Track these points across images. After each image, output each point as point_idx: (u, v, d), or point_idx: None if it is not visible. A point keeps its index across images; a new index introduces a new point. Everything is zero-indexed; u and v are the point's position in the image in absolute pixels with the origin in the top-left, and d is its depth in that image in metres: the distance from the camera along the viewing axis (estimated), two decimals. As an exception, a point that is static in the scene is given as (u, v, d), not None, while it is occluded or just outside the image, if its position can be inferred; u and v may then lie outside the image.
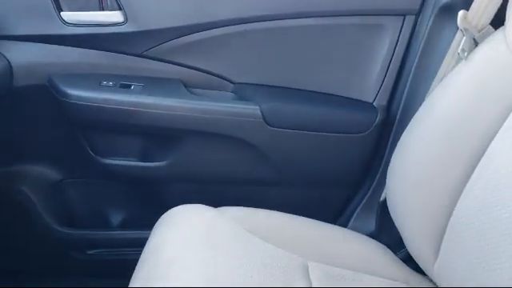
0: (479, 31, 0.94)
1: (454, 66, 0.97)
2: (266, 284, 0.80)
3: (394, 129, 1.11)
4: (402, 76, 1.14)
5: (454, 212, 0.87)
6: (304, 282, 0.84)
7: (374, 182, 1.17)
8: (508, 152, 0.77)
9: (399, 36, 1.11)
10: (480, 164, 0.81)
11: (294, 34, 1.12)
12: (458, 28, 0.94)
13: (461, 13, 0.94)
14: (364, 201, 1.21)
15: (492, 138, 0.82)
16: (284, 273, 0.84)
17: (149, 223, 1.00)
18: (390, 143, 1.11)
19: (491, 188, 0.79)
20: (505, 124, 0.80)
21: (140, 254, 0.92)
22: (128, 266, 0.91)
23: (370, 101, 1.17)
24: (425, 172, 0.90)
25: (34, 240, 1.24)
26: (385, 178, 1.00)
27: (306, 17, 1.09)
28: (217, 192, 1.15)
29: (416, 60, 1.10)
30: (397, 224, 0.98)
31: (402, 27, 1.11)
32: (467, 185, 0.85)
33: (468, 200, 0.84)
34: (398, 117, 1.12)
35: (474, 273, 0.76)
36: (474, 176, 0.83)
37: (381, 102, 1.16)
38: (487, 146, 0.82)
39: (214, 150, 1.18)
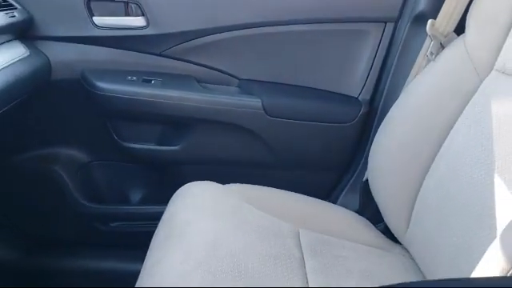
0: (445, 37, 1.09)
1: (424, 66, 1.11)
2: (262, 246, 0.92)
3: (376, 119, 1.23)
4: (383, 74, 1.26)
5: (421, 188, 1.01)
6: (295, 245, 0.97)
7: (359, 166, 1.29)
8: (465, 135, 0.92)
9: (381, 40, 1.24)
10: (443, 145, 0.96)
11: (290, 37, 1.24)
12: (427, 34, 1.08)
13: (429, 21, 1.08)
14: (350, 182, 1.32)
15: (452, 125, 0.96)
16: (277, 237, 0.97)
17: (164, 199, 1.12)
18: (372, 131, 1.22)
19: (451, 166, 0.93)
20: (463, 113, 0.94)
21: (156, 226, 1.04)
22: (146, 237, 1.02)
23: (356, 95, 1.29)
24: (399, 153, 1.04)
25: (65, 213, 1.36)
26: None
27: (300, 23, 1.22)
28: (223, 172, 1.25)
29: (395, 61, 1.22)
30: (376, 200, 1.11)
31: (383, 33, 1.23)
32: (433, 164, 1.00)
33: (432, 177, 0.99)
34: (379, 109, 1.24)
35: (435, 241, 0.90)
36: (438, 156, 0.98)
37: (365, 96, 1.28)
38: (449, 132, 0.97)
39: (221, 137, 1.30)
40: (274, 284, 0.84)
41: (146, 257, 0.94)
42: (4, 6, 1.07)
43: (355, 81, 1.28)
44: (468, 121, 0.93)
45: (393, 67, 1.22)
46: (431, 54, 1.09)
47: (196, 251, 0.88)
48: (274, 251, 0.92)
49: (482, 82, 0.93)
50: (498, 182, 0.79)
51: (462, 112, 0.95)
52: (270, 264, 0.88)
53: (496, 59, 0.92)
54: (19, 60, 1.06)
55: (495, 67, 0.91)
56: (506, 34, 0.91)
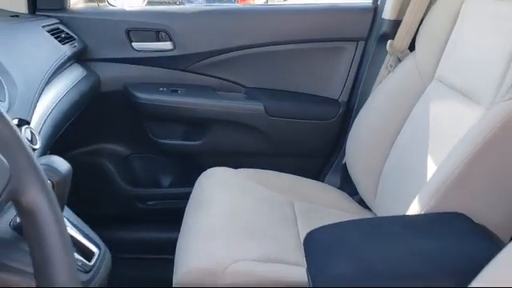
0: (401, 53, 1.34)
1: (386, 76, 1.36)
2: (266, 213, 1.16)
3: (352, 116, 1.45)
4: (356, 81, 1.50)
5: (383, 168, 1.26)
6: (291, 211, 1.22)
7: (340, 153, 1.52)
8: (412, 129, 1.17)
9: (354, 55, 1.48)
10: (398, 137, 1.21)
11: (284, 54, 1.49)
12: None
13: (389, 41, 1.34)
14: (333, 165, 1.54)
15: (405, 120, 1.21)
16: (277, 206, 1.21)
17: (188, 183, 1.36)
18: (349, 126, 1.43)
19: (406, 148, 1.18)
20: (412, 111, 1.19)
21: (185, 203, 1.24)
22: (176, 212, 1.24)
23: (336, 98, 1.52)
24: (368, 142, 1.28)
25: (112, 195, 1.59)
26: (346, 149, 1.39)
27: (292, 43, 1.47)
28: (234, 160, 1.44)
29: (365, 71, 1.45)
30: (352, 178, 1.35)
31: (356, 49, 1.47)
32: (391, 150, 1.24)
33: (391, 159, 1.23)
34: (354, 108, 1.47)
35: (393, 204, 1.14)
36: (394, 144, 1.23)
37: (343, 98, 1.52)
38: (403, 125, 1.21)
39: (232, 133, 1.54)
40: (277, 237, 1.09)
41: (182, 224, 1.16)
42: (68, 38, 1.34)
43: (335, 87, 1.52)
44: (414, 119, 1.18)
45: (364, 76, 1.46)
46: (390, 66, 1.35)
47: (218, 218, 1.12)
48: (275, 216, 1.17)
49: (425, 88, 1.18)
50: (429, 158, 1.05)
51: (411, 110, 1.20)
52: (272, 224, 1.12)
53: (435, 70, 1.16)
54: (81, 79, 1.32)
55: (435, 77, 1.17)
56: (443, 51, 1.15)
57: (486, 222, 0.76)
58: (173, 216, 1.27)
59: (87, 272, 0.76)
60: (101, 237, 0.94)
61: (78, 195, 1.61)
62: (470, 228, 0.70)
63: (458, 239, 0.67)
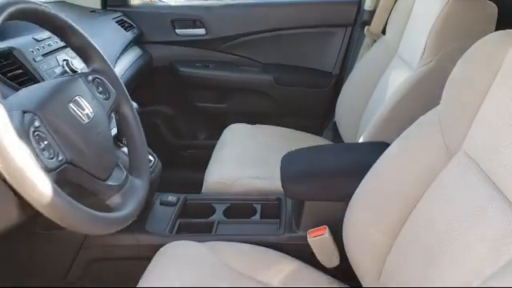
0: (376, 36, 1.64)
1: (364, 54, 1.65)
2: (267, 152, 1.52)
3: (343, 86, 1.68)
4: (345, 58, 1.79)
5: (361, 117, 1.57)
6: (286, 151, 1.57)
7: (333, 114, 1.75)
8: (380, 87, 1.48)
9: (343, 38, 1.77)
10: (373, 95, 1.53)
11: (290, 37, 1.79)
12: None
13: (366, 27, 1.63)
14: (328, 124, 1.85)
15: (377, 83, 1.44)
16: (277, 149, 1.44)
17: (217, 136, 1.64)
18: (340, 93, 1.67)
19: (373, 102, 1.49)
20: (382, 77, 1.44)
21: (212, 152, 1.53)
22: (207, 159, 1.50)
23: (330, 71, 1.82)
24: (351, 104, 1.54)
25: (161, 146, 1.86)
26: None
27: (295, 29, 1.78)
28: (251, 118, 1.73)
29: (352, 50, 1.74)
30: (339, 131, 1.63)
31: (344, 33, 1.76)
32: (367, 103, 1.54)
33: (367, 110, 1.54)
34: (344, 79, 1.73)
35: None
36: (369, 101, 1.54)
37: (335, 71, 1.82)
38: (376, 86, 1.44)
39: (250, 98, 1.87)
40: (269, 164, 1.44)
41: (211, 158, 1.51)
42: (129, 27, 1.73)
43: (329, 62, 1.82)
44: (382, 82, 1.45)
45: (351, 54, 1.75)
46: (368, 46, 1.65)
47: (233, 153, 1.46)
48: (273, 153, 1.52)
49: (391, 59, 1.43)
50: (381, 101, 1.35)
51: (381, 77, 1.44)
52: (268, 157, 1.49)
53: (398, 48, 1.42)
54: (139, 57, 1.71)
55: (397, 52, 1.43)
56: (403, 33, 1.40)
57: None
58: (206, 161, 1.56)
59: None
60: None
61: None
62: (381, 149, 1.00)
63: (368, 154, 0.97)
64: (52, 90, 0.67)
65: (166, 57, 1.85)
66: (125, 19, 1.74)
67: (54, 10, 0.74)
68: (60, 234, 1.07)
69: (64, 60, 1.05)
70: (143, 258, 0.99)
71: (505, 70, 0.68)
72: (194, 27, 1.82)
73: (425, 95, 1.09)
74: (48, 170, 0.56)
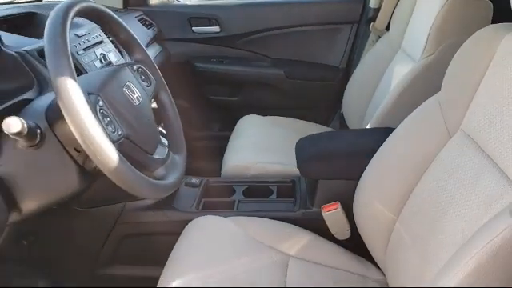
0: (380, 32, 1.73)
1: (369, 49, 1.75)
2: (279, 140, 1.62)
3: (349, 80, 1.77)
4: (351, 53, 1.88)
5: (368, 107, 1.68)
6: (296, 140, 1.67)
7: (339, 105, 1.86)
8: (386, 79, 1.58)
9: (350, 34, 1.86)
10: (378, 87, 1.63)
11: (299, 34, 1.89)
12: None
13: (372, 24, 1.73)
14: (336, 115, 1.94)
15: (382, 76, 1.54)
16: (288, 137, 1.59)
17: (231, 127, 1.74)
18: (347, 86, 1.77)
19: (379, 93, 1.58)
20: (386, 70, 1.53)
21: (227, 142, 1.62)
22: (223, 149, 1.58)
23: (337, 65, 1.91)
24: (358, 94, 1.63)
25: None
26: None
27: (304, 26, 1.87)
28: (262, 110, 1.81)
29: (358, 46, 1.84)
30: (346, 122, 1.76)
31: (350, 30, 1.86)
32: (373, 95, 1.64)
33: (372, 101, 1.65)
34: (350, 72, 1.82)
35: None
36: (374, 94, 1.64)
37: (342, 65, 1.91)
38: (381, 79, 1.53)
39: (261, 91, 1.96)
40: (283, 150, 1.55)
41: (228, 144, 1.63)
42: (150, 25, 1.83)
43: (337, 57, 1.91)
44: (387, 75, 1.57)
45: (357, 49, 1.84)
46: (373, 41, 1.75)
47: (249, 140, 1.56)
48: (286, 141, 1.60)
49: (395, 53, 1.51)
50: (386, 89, 1.46)
51: (385, 71, 1.53)
52: (282, 144, 1.60)
53: (401, 43, 1.51)
54: (158, 53, 1.81)
55: (401, 47, 1.51)
56: (406, 29, 1.48)
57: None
58: (219, 150, 1.67)
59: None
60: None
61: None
62: (387, 133, 1.09)
63: (376, 138, 1.05)
64: (108, 76, 0.77)
65: (183, 53, 1.95)
66: (145, 18, 1.84)
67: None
68: (97, 212, 1.17)
69: (101, 54, 1.15)
70: (172, 233, 1.09)
71: (497, 59, 0.78)
72: (210, 25, 1.92)
73: (427, 84, 1.21)
74: (112, 142, 0.66)
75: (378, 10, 1.72)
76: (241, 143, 1.58)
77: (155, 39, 1.85)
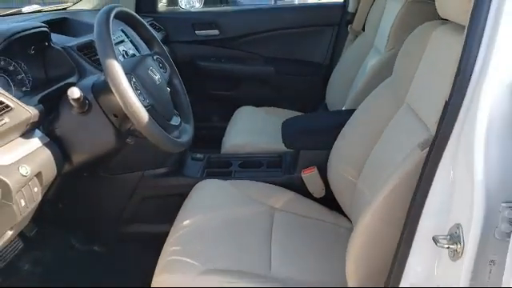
0: (357, 32, 1.97)
1: (348, 47, 1.99)
2: (271, 125, 1.87)
3: (331, 74, 1.98)
4: (334, 51, 2.11)
5: (348, 96, 1.93)
6: None
7: (323, 97, 2.05)
8: (362, 72, 1.83)
9: (331, 35, 2.10)
10: (356, 78, 1.88)
11: (286, 35, 2.12)
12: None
13: (350, 25, 1.97)
14: (318, 106, 2.11)
15: (359, 69, 1.84)
16: (278, 123, 1.91)
17: (228, 118, 1.94)
18: (329, 79, 1.97)
19: (356, 83, 1.84)
20: (362, 64, 1.82)
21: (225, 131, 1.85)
22: (221, 136, 1.80)
23: (321, 62, 2.15)
24: (336, 86, 1.89)
25: None
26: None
27: (291, 28, 2.10)
28: (256, 102, 2.02)
29: (338, 44, 2.07)
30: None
31: (332, 31, 2.09)
32: (351, 85, 1.90)
33: (350, 92, 1.90)
34: (332, 68, 2.03)
35: None
36: (353, 83, 1.89)
37: (326, 62, 2.14)
38: (357, 72, 1.85)
39: (255, 85, 2.19)
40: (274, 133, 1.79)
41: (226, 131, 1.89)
42: (159, 29, 2.07)
43: (321, 55, 2.15)
44: (363, 69, 1.83)
45: (338, 47, 2.09)
46: (350, 41, 1.98)
47: (245, 126, 1.84)
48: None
49: (369, 50, 1.74)
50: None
51: (361, 64, 1.75)
52: (273, 128, 1.84)
53: (374, 41, 1.74)
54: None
55: (374, 44, 1.75)
56: (377, 29, 1.72)
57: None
58: (220, 137, 1.83)
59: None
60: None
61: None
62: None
63: (346, 117, 1.30)
64: (137, 62, 1.02)
65: (187, 53, 2.17)
66: (155, 23, 2.07)
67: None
68: (121, 178, 1.41)
69: (123, 50, 1.39)
70: (182, 195, 1.33)
71: (428, 49, 1.02)
72: (210, 29, 2.15)
73: (388, 73, 1.45)
74: (143, 106, 0.91)
75: (355, 14, 1.96)
76: (237, 129, 1.82)
77: (163, 41, 2.08)
